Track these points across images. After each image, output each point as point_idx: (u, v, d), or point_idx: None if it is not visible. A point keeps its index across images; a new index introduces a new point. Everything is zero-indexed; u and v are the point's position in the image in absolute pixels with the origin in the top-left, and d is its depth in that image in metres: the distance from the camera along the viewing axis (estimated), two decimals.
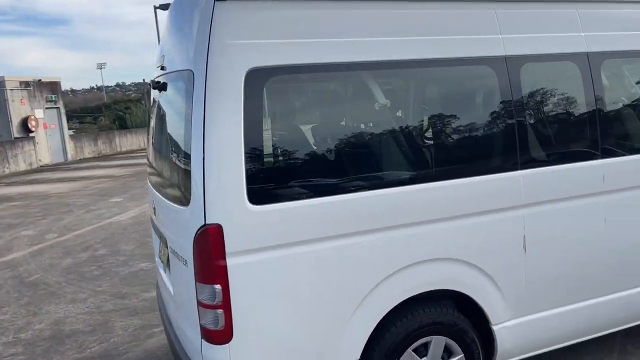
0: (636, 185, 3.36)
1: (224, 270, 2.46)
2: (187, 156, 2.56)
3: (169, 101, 3.14)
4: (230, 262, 2.47)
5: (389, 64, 2.77)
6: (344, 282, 2.67)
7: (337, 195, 2.62)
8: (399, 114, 2.98)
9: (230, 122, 2.44)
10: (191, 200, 2.52)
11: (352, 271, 2.67)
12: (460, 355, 3.02)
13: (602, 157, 3.24)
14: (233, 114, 2.44)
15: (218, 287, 2.47)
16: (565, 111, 3.23)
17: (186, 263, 2.64)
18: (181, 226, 2.68)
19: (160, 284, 3.61)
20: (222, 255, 2.46)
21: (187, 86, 2.60)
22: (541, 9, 3.16)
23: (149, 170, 3.88)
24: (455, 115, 2.98)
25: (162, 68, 3.11)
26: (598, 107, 3.23)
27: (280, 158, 2.61)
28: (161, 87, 3.11)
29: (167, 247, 3.11)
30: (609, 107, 3.33)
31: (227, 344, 2.52)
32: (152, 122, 3.65)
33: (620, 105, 3.47)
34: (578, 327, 3.36)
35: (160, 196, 3.19)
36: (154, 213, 3.41)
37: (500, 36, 3.01)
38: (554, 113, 3.21)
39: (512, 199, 3.01)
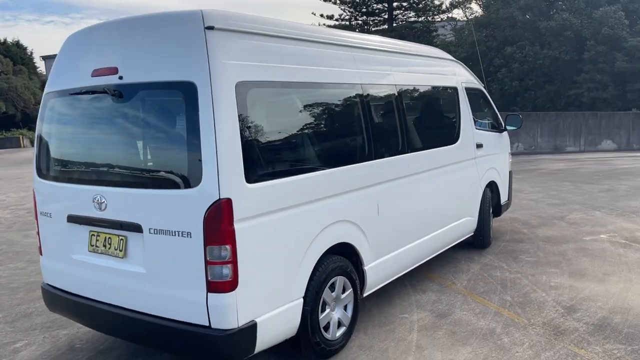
0: (428, 168, 5.35)
1: (233, 233, 3.27)
2: (192, 149, 3.26)
3: (134, 106, 3.62)
4: (237, 226, 3.29)
5: (308, 84, 4.00)
6: (301, 236, 3.81)
7: (294, 176, 3.72)
8: (314, 121, 4.19)
9: (230, 121, 3.29)
10: (202, 182, 3.23)
11: (304, 228, 3.83)
12: (350, 290, 4.36)
13: (407, 152, 5.07)
14: (231, 115, 3.31)
15: (229, 246, 3.26)
16: (388, 122, 4.96)
17: (189, 235, 3.30)
18: (181, 205, 3.32)
19: (91, 277, 3.87)
20: (232, 222, 3.27)
21: (184, 94, 3.29)
22: (372, 55, 4.84)
23: (65, 175, 4.06)
24: (338, 125, 4.40)
25: (121, 78, 3.57)
26: (402, 119, 5.04)
27: (261, 149, 3.54)
28: (115, 93, 3.58)
29: (123, 235, 3.59)
30: (409, 120, 5.21)
31: (234, 291, 3.30)
32: (73, 127, 3.97)
33: (412, 118, 5.40)
34: (407, 261, 5.13)
35: (123, 189, 3.61)
36: (99, 209, 3.71)
37: (357, 70, 4.54)
38: (384, 122, 4.91)
39: (371, 179, 4.54)
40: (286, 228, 3.69)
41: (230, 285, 3.31)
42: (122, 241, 3.67)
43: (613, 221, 8.51)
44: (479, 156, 6.65)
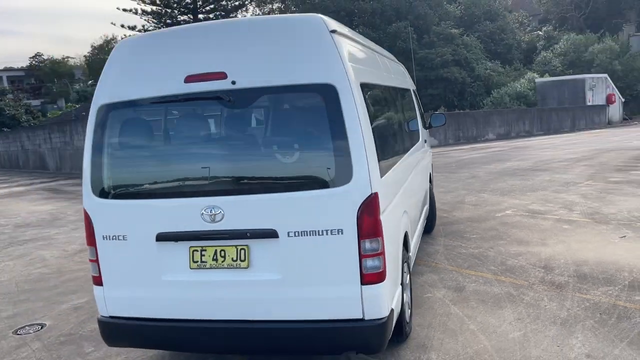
0: (416, 164, 5.92)
1: (381, 225, 3.44)
2: (339, 147, 3.33)
3: (254, 111, 3.51)
4: (382, 218, 3.47)
5: (385, 87, 4.31)
6: (399, 225, 4.21)
7: (396, 166, 4.02)
8: (394, 116, 4.48)
9: (366, 119, 3.46)
10: (353, 179, 3.33)
11: (398, 218, 4.20)
12: (408, 274, 4.74)
13: (412, 146, 5.61)
14: (366, 114, 3.47)
15: (379, 238, 3.42)
16: (410, 116, 5.45)
17: (340, 232, 3.36)
18: (329, 204, 3.36)
19: (196, 296, 3.60)
20: (380, 214, 3.44)
21: (323, 95, 3.36)
22: (390, 63, 5.30)
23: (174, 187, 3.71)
24: (402, 120, 4.77)
25: (233, 82, 3.44)
26: (405, 116, 5.58)
27: (379, 144, 3.71)
28: (229, 99, 3.45)
29: (243, 245, 3.48)
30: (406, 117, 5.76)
31: (384, 281, 3.46)
32: (161, 138, 3.66)
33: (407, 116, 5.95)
34: (415, 249, 5.73)
35: (247, 196, 3.46)
36: (212, 220, 3.49)
37: (392, 76, 4.95)
38: (410, 117, 5.41)
39: (410, 168, 4.99)
40: (394, 218, 3.94)
41: (381, 275, 3.45)
42: (242, 251, 3.53)
43: (502, 200, 10.10)
44: (426, 150, 7.49)
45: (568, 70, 42.03)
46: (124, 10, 37.58)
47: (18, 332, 5.36)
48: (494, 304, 5.11)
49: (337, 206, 3.38)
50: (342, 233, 3.39)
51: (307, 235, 3.42)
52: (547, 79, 39.66)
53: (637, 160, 14.96)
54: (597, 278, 5.58)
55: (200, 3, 39.39)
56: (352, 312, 3.44)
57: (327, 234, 3.40)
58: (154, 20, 38.70)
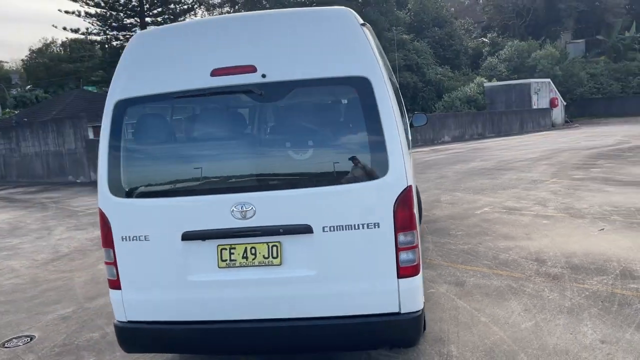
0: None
1: (415, 218, 3.43)
2: (375, 141, 3.30)
3: (286, 104, 3.41)
4: (414, 211, 3.46)
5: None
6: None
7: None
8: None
9: (398, 112, 3.45)
10: (389, 171, 3.31)
11: None
12: None
13: None
14: (397, 106, 3.46)
15: (415, 231, 3.41)
16: None
17: (377, 225, 3.33)
18: (365, 197, 3.32)
19: (225, 296, 3.48)
20: (414, 206, 3.43)
21: (357, 88, 3.32)
22: None
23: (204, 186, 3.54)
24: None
25: (264, 76, 3.36)
26: None
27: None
28: (260, 92, 3.36)
29: (276, 241, 3.39)
30: None
31: (420, 274, 3.45)
32: (186, 133, 3.51)
33: None
34: None
35: (280, 192, 3.37)
36: (242, 217, 3.38)
37: None
38: None
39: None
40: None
41: (416, 268, 3.44)
42: (275, 248, 3.44)
43: (477, 198, 10.34)
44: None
45: (513, 75, 43.72)
46: (66, 12, 36.25)
47: (6, 345, 5.02)
48: (497, 296, 5.20)
49: (374, 199, 3.35)
50: (378, 227, 3.35)
51: (342, 229, 3.37)
52: (495, 83, 41.06)
53: (592, 159, 15.68)
54: (589, 268, 5.78)
55: (147, 6, 38.53)
56: (388, 306, 3.41)
57: (363, 227, 3.36)
58: (99, 23, 37.59)
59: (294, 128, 3.56)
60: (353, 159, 3.42)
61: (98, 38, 38.52)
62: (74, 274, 7.32)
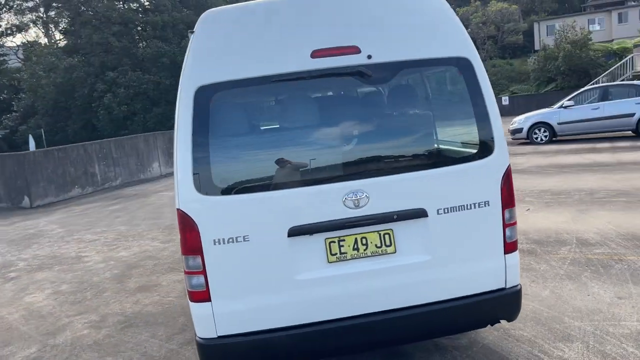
0: None
1: (514, 194, 3.55)
2: (482, 120, 3.35)
3: (392, 85, 3.27)
4: None
5: None
6: None
7: None
8: None
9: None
10: (495, 150, 3.38)
11: None
12: None
13: None
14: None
15: (514, 208, 3.52)
16: None
17: (487, 203, 3.37)
18: (476, 176, 3.35)
19: (336, 292, 3.22)
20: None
21: (459, 69, 3.35)
22: None
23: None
24: None
25: (369, 57, 3.19)
26: None
27: None
28: (367, 74, 3.20)
29: (387, 229, 3.26)
30: None
31: (517, 249, 3.57)
32: (285, 119, 3.20)
33: None
34: None
35: (394, 176, 3.22)
36: (356, 206, 3.17)
37: None
38: None
39: None
40: None
41: (516, 244, 3.54)
42: (387, 236, 3.29)
43: None
44: None
45: None
46: None
47: None
48: (531, 280, 5.33)
49: (484, 178, 3.39)
50: (488, 205, 3.40)
51: (455, 210, 3.35)
52: None
53: None
54: (550, 242, 6.44)
55: None
56: (496, 283, 3.46)
57: (474, 207, 3.38)
58: None
59: (400, 110, 3.46)
60: (461, 139, 3.44)
61: None
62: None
